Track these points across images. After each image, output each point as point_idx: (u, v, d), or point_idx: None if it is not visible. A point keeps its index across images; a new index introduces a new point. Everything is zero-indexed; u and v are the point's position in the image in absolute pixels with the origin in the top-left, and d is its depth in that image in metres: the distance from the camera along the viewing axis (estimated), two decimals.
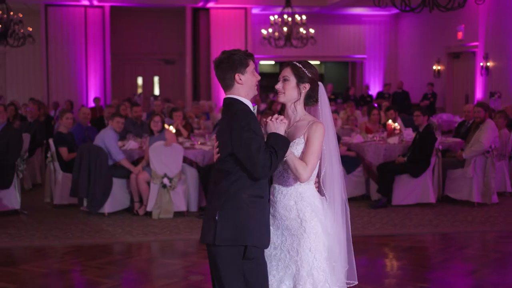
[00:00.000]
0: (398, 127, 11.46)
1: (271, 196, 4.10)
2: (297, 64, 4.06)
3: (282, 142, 3.84)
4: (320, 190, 4.13)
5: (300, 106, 4.10)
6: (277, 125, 3.88)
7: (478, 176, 10.05)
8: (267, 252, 4.07)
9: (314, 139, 3.94)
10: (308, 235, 3.98)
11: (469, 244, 8.22)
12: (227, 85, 3.96)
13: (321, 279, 3.98)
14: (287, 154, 3.89)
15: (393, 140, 10.78)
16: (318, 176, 4.10)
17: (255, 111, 3.98)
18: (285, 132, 4.01)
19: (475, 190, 10.03)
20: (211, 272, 3.99)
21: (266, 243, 3.96)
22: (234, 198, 3.86)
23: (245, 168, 3.81)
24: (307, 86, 4.06)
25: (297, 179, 3.98)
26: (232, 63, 3.91)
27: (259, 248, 3.92)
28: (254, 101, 16.53)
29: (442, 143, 10.64)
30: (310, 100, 4.11)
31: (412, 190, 10.09)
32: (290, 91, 4.05)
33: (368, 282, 6.41)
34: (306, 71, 4.05)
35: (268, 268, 4.04)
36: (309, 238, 3.98)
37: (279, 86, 4.06)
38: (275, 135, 3.86)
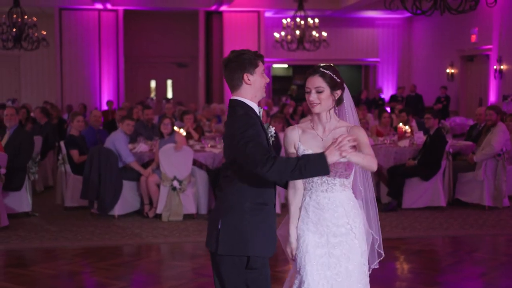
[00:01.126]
0: (409, 130, 11.42)
1: (313, 203, 4.02)
2: (326, 71, 3.95)
3: (316, 166, 3.58)
4: (355, 193, 4.14)
5: (332, 112, 4.04)
6: (333, 151, 3.61)
7: (489, 179, 10.00)
8: (313, 260, 3.98)
9: (362, 137, 3.91)
10: (358, 240, 4.00)
11: (479, 247, 8.19)
12: (235, 85, 3.88)
13: (367, 282, 4.06)
14: (351, 157, 3.65)
15: (404, 143, 10.74)
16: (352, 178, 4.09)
17: (260, 114, 3.91)
18: (322, 139, 3.97)
19: (486, 194, 9.98)
20: (214, 277, 3.97)
21: (270, 252, 3.88)
22: (235, 206, 3.79)
23: (246, 175, 3.73)
24: (339, 92, 4.01)
25: (343, 186, 3.99)
26: (242, 62, 3.83)
27: (263, 258, 3.86)
28: (265, 104, 16.45)
29: (453, 146, 10.60)
30: (339, 102, 4.08)
31: (423, 193, 10.05)
32: (325, 101, 3.96)
33: (378, 285, 6.38)
34: (335, 77, 3.97)
35: (315, 275, 3.98)
36: (360, 244, 4.01)
37: (313, 98, 3.93)
38: (319, 157, 3.61)
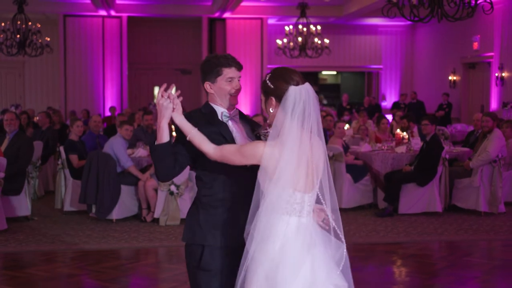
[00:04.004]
0: (407, 136, 11.47)
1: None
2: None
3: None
4: None
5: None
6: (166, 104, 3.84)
7: (485, 185, 10.05)
8: None
9: None
10: None
11: (472, 251, 8.23)
12: (206, 92, 3.92)
13: None
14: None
15: (401, 149, 10.80)
16: None
17: (225, 119, 3.86)
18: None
19: (482, 200, 10.02)
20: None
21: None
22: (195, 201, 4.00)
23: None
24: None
25: None
26: (202, 71, 3.86)
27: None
28: None
29: (450, 152, 10.65)
30: None
31: (419, 199, 10.10)
32: None
33: None
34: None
35: None
36: None
37: None
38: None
